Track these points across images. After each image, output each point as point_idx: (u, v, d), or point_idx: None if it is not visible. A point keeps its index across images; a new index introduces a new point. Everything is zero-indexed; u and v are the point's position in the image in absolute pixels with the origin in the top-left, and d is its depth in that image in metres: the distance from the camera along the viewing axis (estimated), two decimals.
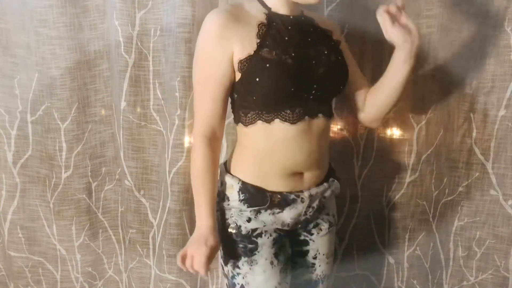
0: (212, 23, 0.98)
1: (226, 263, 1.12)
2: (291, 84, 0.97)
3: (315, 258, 1.18)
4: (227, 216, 1.10)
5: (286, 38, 0.99)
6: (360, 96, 1.15)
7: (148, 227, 1.49)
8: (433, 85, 1.36)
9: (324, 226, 1.17)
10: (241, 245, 1.08)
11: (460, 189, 1.45)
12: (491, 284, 1.50)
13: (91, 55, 1.37)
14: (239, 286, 1.10)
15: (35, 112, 1.42)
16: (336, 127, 1.41)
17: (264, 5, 1.02)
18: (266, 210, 1.07)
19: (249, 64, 0.96)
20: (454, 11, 1.29)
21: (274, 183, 1.06)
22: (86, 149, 1.45)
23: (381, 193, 1.48)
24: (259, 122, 1.01)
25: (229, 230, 1.09)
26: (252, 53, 0.96)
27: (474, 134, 1.39)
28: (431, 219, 1.49)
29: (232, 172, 1.09)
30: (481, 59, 1.33)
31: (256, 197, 1.06)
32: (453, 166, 1.43)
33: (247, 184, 1.06)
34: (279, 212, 1.08)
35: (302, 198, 1.08)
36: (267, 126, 1.01)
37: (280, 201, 1.07)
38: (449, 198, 1.47)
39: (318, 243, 1.17)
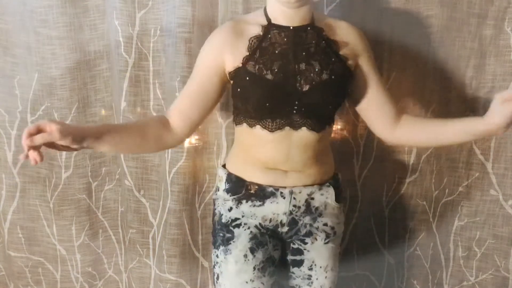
0: (212, 35, 1.07)
1: (212, 253, 1.16)
2: (267, 98, 1.00)
3: (310, 269, 1.15)
4: (215, 206, 1.17)
5: (277, 51, 1.01)
6: (383, 117, 1.12)
7: (148, 227, 1.49)
8: (433, 85, 1.36)
9: (320, 236, 1.13)
10: (221, 234, 1.12)
11: (460, 189, 1.45)
12: (491, 284, 1.50)
13: (91, 55, 1.37)
14: (216, 275, 1.14)
15: (35, 112, 1.42)
16: (336, 127, 1.41)
17: (266, 16, 1.03)
18: (246, 201, 1.09)
19: (235, 75, 1.02)
20: (454, 11, 1.29)
21: (254, 175, 1.09)
22: (86, 149, 1.45)
23: (381, 193, 1.48)
24: (244, 124, 1.07)
25: (215, 218, 1.16)
26: (240, 65, 1.02)
27: None
28: (431, 219, 1.49)
29: (226, 166, 1.16)
30: (481, 59, 1.33)
31: (235, 185, 1.11)
32: (453, 166, 1.43)
33: (232, 174, 1.12)
34: (260, 205, 1.09)
35: (282, 192, 1.08)
36: (250, 129, 1.06)
37: (257, 191, 1.09)
38: (449, 198, 1.47)
39: (313, 253, 1.14)
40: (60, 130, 0.84)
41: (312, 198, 1.11)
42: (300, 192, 1.09)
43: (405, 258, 1.54)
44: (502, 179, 1.40)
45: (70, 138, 0.86)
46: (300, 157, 1.07)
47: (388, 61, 1.32)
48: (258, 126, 1.04)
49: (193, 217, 1.45)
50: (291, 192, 1.09)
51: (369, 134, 1.42)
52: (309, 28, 1.02)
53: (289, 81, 1.00)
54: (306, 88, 1.00)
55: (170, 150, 1.37)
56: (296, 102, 1.01)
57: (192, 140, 1.39)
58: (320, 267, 1.15)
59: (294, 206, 1.10)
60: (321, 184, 1.12)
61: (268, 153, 1.06)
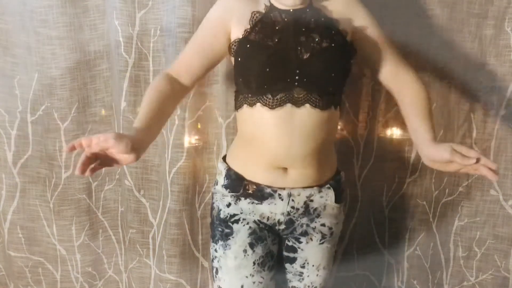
0: (220, 1, 1.09)
1: (211, 247, 1.15)
2: (267, 64, 0.99)
3: (303, 267, 1.15)
4: (213, 200, 1.16)
5: (277, 27, 1.02)
6: (385, 66, 1.11)
7: (148, 227, 1.49)
8: (433, 85, 1.36)
9: (315, 236, 1.13)
10: (219, 229, 1.12)
11: (460, 189, 1.45)
12: (491, 284, 1.50)
13: (91, 55, 1.37)
14: (215, 270, 1.13)
15: (35, 112, 1.42)
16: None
17: (270, 2, 1.06)
18: (245, 198, 1.09)
19: (236, 47, 1.04)
20: (454, 11, 1.29)
21: (254, 174, 1.08)
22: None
23: (381, 193, 1.48)
24: (245, 105, 1.05)
25: (213, 213, 1.15)
26: (240, 37, 1.03)
27: (474, 134, 1.39)
28: (431, 219, 1.49)
29: (227, 159, 1.14)
30: (481, 59, 1.33)
31: (234, 183, 1.10)
32: None
33: (231, 170, 1.11)
34: (258, 204, 1.09)
35: (280, 194, 1.07)
36: (250, 110, 1.04)
37: (255, 191, 1.08)
38: (449, 198, 1.47)
39: (307, 253, 1.14)
40: (114, 135, 0.85)
41: (311, 200, 1.10)
42: (299, 195, 1.08)
43: (405, 258, 1.53)
44: (502, 179, 1.40)
45: (127, 142, 0.86)
46: (303, 148, 1.03)
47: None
48: (258, 104, 1.01)
49: (193, 217, 1.45)
50: (290, 195, 1.08)
51: (369, 134, 1.42)
52: (308, 10, 1.05)
53: (290, 49, 1.00)
54: (306, 55, 1.00)
55: (170, 150, 1.37)
56: (297, 71, 1.00)
57: (192, 140, 1.39)
58: (313, 265, 1.15)
59: (292, 207, 1.09)
60: (321, 186, 1.10)
61: (270, 143, 1.02)
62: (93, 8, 1.33)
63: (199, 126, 1.39)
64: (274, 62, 0.99)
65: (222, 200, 1.12)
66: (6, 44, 1.37)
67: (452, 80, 1.36)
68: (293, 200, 1.08)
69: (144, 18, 1.30)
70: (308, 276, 1.16)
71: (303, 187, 1.08)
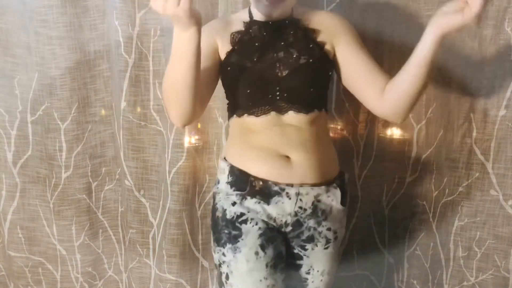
0: (203, 28, 1.02)
1: (215, 251, 1.10)
2: (247, 85, 1.05)
3: (308, 273, 1.14)
4: (216, 201, 1.12)
5: (257, 44, 1.05)
6: (372, 88, 1.06)
7: (148, 227, 1.49)
8: (433, 85, 1.36)
9: (321, 242, 1.11)
10: (226, 231, 1.07)
11: (460, 189, 1.45)
12: (491, 284, 1.50)
13: (91, 55, 1.37)
14: (225, 275, 1.07)
15: (35, 112, 1.42)
16: (336, 127, 1.41)
17: (250, 14, 1.09)
18: (251, 197, 1.07)
19: (220, 68, 1.08)
20: None
21: (258, 168, 1.06)
22: (86, 149, 1.45)
23: (381, 193, 1.48)
24: (234, 116, 1.10)
25: (216, 214, 1.10)
26: (223, 59, 1.07)
27: (474, 134, 1.39)
28: (431, 219, 1.49)
29: (227, 158, 1.13)
30: (481, 59, 1.33)
31: (239, 179, 1.08)
32: (453, 166, 1.43)
33: (235, 167, 1.09)
34: (264, 204, 1.07)
35: (287, 193, 1.06)
36: (239, 119, 1.09)
37: (262, 188, 1.05)
38: (449, 198, 1.47)
39: (312, 259, 1.13)
40: None
41: (319, 201, 1.08)
42: (307, 194, 1.07)
43: (405, 258, 1.53)
44: (502, 179, 1.40)
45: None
46: (297, 134, 1.05)
47: (388, 61, 1.32)
48: (245, 115, 1.07)
49: (193, 217, 1.45)
50: (298, 194, 1.06)
51: (369, 134, 1.42)
52: (287, 21, 1.07)
53: (268, 68, 1.04)
54: (285, 73, 1.04)
55: (170, 150, 1.38)
56: (277, 88, 1.04)
57: (192, 140, 1.39)
58: (318, 271, 1.14)
59: (300, 207, 1.07)
60: (328, 185, 1.09)
61: (265, 134, 1.06)
62: (93, 8, 1.33)
63: (199, 126, 1.39)
64: (254, 83, 1.04)
65: (227, 199, 1.09)
66: (6, 44, 1.37)
67: (452, 80, 1.36)
68: (301, 200, 1.06)
69: (144, 18, 1.30)
70: (312, 281, 1.15)
71: (311, 185, 1.07)
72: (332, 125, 1.41)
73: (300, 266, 1.14)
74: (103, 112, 1.44)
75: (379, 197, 1.48)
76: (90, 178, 1.49)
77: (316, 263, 1.13)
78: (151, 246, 1.50)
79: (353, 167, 1.44)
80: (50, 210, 1.50)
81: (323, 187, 1.08)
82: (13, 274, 1.59)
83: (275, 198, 1.06)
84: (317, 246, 1.12)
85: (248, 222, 1.06)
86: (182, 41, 0.89)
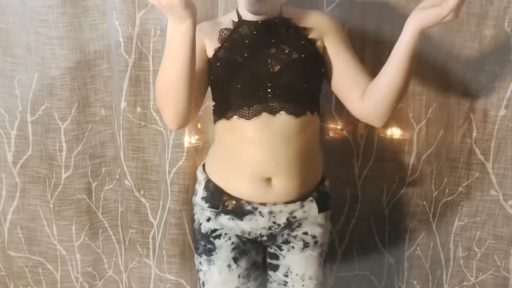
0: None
1: (195, 257, 1.16)
2: (238, 81, 1.01)
3: (286, 275, 1.13)
4: (194, 211, 1.15)
5: (247, 41, 1.03)
6: (355, 89, 1.05)
7: (148, 227, 1.49)
8: (433, 85, 1.36)
9: (297, 244, 1.11)
10: (202, 243, 1.11)
11: (460, 189, 1.45)
12: (491, 284, 1.50)
13: (91, 55, 1.37)
14: (201, 282, 1.14)
15: (35, 112, 1.42)
16: (336, 127, 1.41)
17: (238, 14, 1.07)
18: (225, 214, 1.07)
19: (209, 65, 1.04)
20: None
21: (235, 186, 1.05)
22: (86, 149, 1.45)
23: (381, 193, 1.48)
24: (223, 119, 1.05)
25: (194, 225, 1.14)
26: (211, 56, 1.04)
27: (474, 134, 1.39)
28: (431, 219, 1.49)
29: (206, 169, 1.13)
30: (481, 59, 1.33)
31: (213, 197, 1.08)
32: (453, 166, 1.43)
33: (211, 182, 1.09)
34: (238, 220, 1.07)
35: (260, 212, 1.05)
36: (227, 123, 1.04)
37: (234, 208, 1.06)
38: (449, 198, 1.47)
39: (289, 261, 1.12)
40: None
41: (294, 217, 1.08)
42: (280, 212, 1.06)
43: (405, 258, 1.53)
44: (502, 179, 1.40)
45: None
46: (286, 150, 1.02)
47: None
48: (235, 117, 1.02)
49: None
50: (271, 212, 1.06)
51: (369, 134, 1.42)
52: (277, 20, 1.04)
53: (260, 63, 1.01)
54: (277, 68, 1.01)
55: (170, 150, 1.37)
56: (269, 84, 1.01)
57: (192, 140, 1.39)
58: (297, 274, 1.13)
59: (274, 223, 1.08)
60: (303, 200, 1.08)
61: (251, 150, 1.02)
62: (93, 8, 1.33)
63: (199, 126, 1.39)
64: (245, 78, 1.00)
65: (202, 213, 1.11)
66: (6, 44, 1.37)
67: (452, 80, 1.36)
68: (274, 217, 1.07)
69: (144, 18, 1.30)
70: (293, 286, 1.14)
71: (285, 203, 1.06)
72: (332, 125, 1.41)
73: (278, 266, 1.14)
74: (103, 112, 1.44)
75: (379, 197, 1.48)
76: (90, 178, 1.49)
77: (294, 266, 1.12)
78: (151, 246, 1.50)
79: (353, 167, 1.44)
80: (50, 210, 1.50)
81: (298, 203, 1.07)
82: (13, 274, 1.59)
83: (248, 216, 1.07)
84: (293, 248, 1.11)
85: (222, 237, 1.09)
86: (177, 34, 0.89)
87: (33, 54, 1.36)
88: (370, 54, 1.32)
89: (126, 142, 1.40)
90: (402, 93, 1.00)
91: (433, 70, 1.35)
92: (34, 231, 1.54)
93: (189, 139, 1.38)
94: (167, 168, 1.39)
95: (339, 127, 1.41)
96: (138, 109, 1.37)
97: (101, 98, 1.42)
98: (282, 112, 1.01)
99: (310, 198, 1.09)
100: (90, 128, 1.44)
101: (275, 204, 1.05)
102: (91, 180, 1.49)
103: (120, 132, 1.40)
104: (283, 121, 1.02)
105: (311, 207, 1.09)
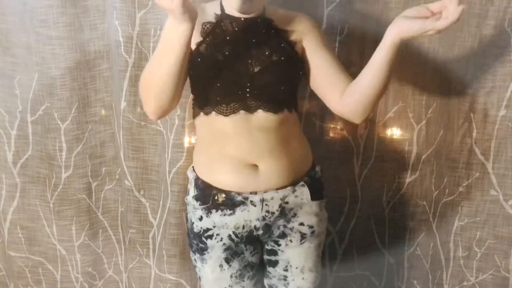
0: None
1: (191, 255, 1.18)
2: (218, 79, 1.01)
3: (286, 270, 1.13)
4: (187, 211, 1.15)
5: (228, 38, 1.03)
6: (334, 89, 1.08)
7: (148, 227, 1.49)
8: (433, 85, 1.36)
9: (294, 237, 1.10)
10: (194, 242, 1.12)
11: (460, 189, 1.45)
12: (492, 284, 1.50)
13: (91, 55, 1.37)
14: (198, 276, 1.17)
15: (35, 112, 1.42)
16: (336, 127, 1.41)
17: (221, 6, 1.05)
18: (216, 210, 1.07)
19: (190, 59, 1.01)
20: None
21: (223, 179, 1.06)
22: (86, 149, 1.45)
23: (381, 193, 1.48)
24: (201, 113, 1.07)
25: (187, 224, 1.15)
26: (193, 49, 1.02)
27: (474, 134, 1.39)
28: (431, 219, 1.49)
29: (194, 167, 1.14)
30: (481, 59, 1.33)
31: (202, 193, 1.08)
32: (453, 166, 1.43)
33: (199, 179, 1.09)
34: (230, 214, 1.07)
35: (252, 201, 1.05)
36: (206, 118, 1.06)
37: (225, 200, 1.06)
38: (449, 198, 1.47)
39: (288, 255, 1.12)
40: None
41: (287, 202, 1.08)
42: (272, 199, 1.06)
43: (405, 258, 1.54)
44: (502, 179, 1.40)
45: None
46: (266, 140, 1.04)
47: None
48: (213, 113, 1.04)
49: None
50: (262, 200, 1.06)
51: (369, 134, 1.42)
52: (259, 20, 1.05)
53: (240, 63, 1.02)
54: (257, 69, 1.02)
55: (170, 150, 1.37)
56: (248, 84, 1.02)
57: (192, 140, 1.39)
58: (296, 268, 1.13)
59: (267, 211, 1.07)
60: (294, 184, 1.08)
61: (232, 141, 1.03)
62: (93, 8, 1.33)
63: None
64: (225, 76, 1.01)
65: (194, 213, 1.11)
66: (6, 44, 1.37)
67: (452, 80, 1.36)
68: (267, 205, 1.06)
69: (144, 18, 1.30)
70: (293, 280, 1.14)
71: (276, 189, 1.06)
72: (332, 125, 1.41)
73: (277, 262, 1.14)
74: (103, 112, 1.44)
75: (379, 197, 1.48)
76: (90, 178, 1.49)
77: (293, 260, 1.13)
78: (151, 246, 1.50)
79: (353, 167, 1.44)
80: (50, 210, 1.50)
81: (288, 188, 1.08)
82: (13, 274, 1.59)
83: (240, 207, 1.06)
84: (291, 241, 1.11)
85: (213, 238, 1.09)
86: (173, 34, 0.90)
87: (33, 54, 1.36)
88: (370, 54, 1.31)
89: (126, 142, 1.40)
90: (380, 94, 1.03)
91: (433, 70, 1.35)
92: (34, 231, 1.54)
93: (189, 139, 1.38)
94: (167, 168, 1.39)
95: (339, 127, 1.41)
96: (138, 109, 1.37)
97: (101, 98, 1.42)
98: (260, 110, 1.03)
99: (301, 182, 1.09)
100: (90, 128, 1.44)
101: (266, 191, 1.06)
102: (91, 180, 1.49)
103: (120, 132, 1.40)
104: (260, 117, 1.04)
105: (303, 191, 1.09)
